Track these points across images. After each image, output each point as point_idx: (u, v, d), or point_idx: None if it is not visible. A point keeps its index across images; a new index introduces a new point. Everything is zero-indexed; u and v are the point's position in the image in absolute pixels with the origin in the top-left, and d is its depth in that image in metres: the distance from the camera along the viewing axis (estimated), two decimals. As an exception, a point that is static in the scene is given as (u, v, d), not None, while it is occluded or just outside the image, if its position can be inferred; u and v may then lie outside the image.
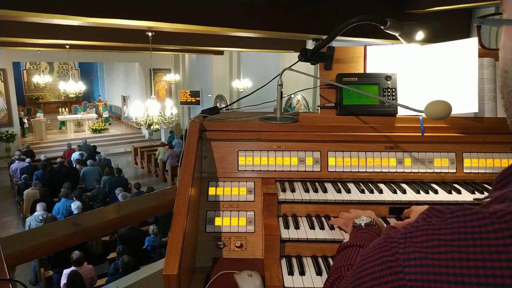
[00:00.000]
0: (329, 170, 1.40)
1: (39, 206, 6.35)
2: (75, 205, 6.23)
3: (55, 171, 9.33)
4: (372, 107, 1.38)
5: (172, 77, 14.96)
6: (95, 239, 5.21)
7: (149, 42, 5.85)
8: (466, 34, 5.15)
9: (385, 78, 1.37)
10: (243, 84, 11.18)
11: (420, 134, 1.36)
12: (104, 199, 7.76)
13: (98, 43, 6.62)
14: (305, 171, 1.40)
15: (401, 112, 1.38)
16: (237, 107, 1.82)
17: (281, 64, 10.05)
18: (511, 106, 0.55)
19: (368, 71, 1.41)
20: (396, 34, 1.33)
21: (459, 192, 1.31)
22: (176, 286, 0.92)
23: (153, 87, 7.41)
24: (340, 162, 1.40)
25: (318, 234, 1.20)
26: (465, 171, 1.40)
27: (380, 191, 1.32)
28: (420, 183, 1.39)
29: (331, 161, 1.40)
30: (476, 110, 1.31)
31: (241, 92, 11.24)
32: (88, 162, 9.60)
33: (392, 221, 1.27)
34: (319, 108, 1.41)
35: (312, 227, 1.22)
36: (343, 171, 1.40)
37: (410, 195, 1.30)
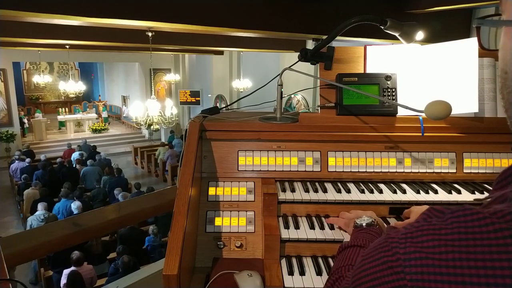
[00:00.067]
0: (329, 170, 1.40)
1: (41, 206, 6.36)
2: (75, 205, 6.23)
3: (55, 171, 9.33)
4: (372, 107, 1.38)
5: (172, 77, 14.96)
6: (95, 239, 5.21)
7: (149, 42, 5.85)
8: (466, 34, 5.15)
9: (385, 78, 1.37)
10: (243, 84, 11.18)
11: (420, 134, 1.36)
12: (104, 199, 7.76)
13: (98, 43, 6.63)
14: (305, 171, 1.40)
15: (401, 112, 1.38)
16: (237, 107, 1.82)
17: (281, 64, 10.05)
18: (511, 107, 0.55)
19: (368, 71, 1.41)
20: (396, 34, 1.33)
21: (459, 192, 1.31)
22: (176, 286, 0.92)
23: (153, 87, 7.41)
24: (340, 162, 1.40)
25: (318, 234, 1.19)
26: (465, 171, 1.40)
27: (380, 191, 1.32)
28: (420, 183, 1.39)
29: (331, 161, 1.40)
30: (476, 110, 1.31)
31: (241, 92, 11.24)
32: (88, 162, 9.61)
33: (392, 221, 1.27)
34: (319, 108, 1.41)
35: (312, 227, 1.22)
36: (343, 171, 1.40)
37: (410, 195, 1.30)
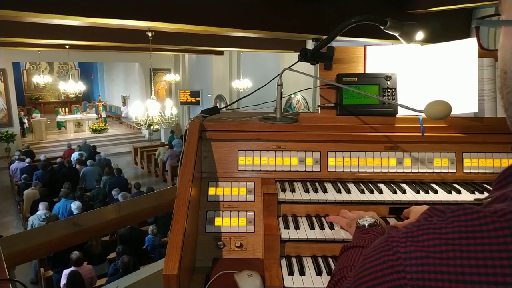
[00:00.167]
0: (329, 170, 1.40)
1: (42, 206, 6.36)
2: (75, 205, 6.24)
3: (55, 171, 9.33)
4: (372, 107, 1.38)
5: (172, 77, 14.96)
6: (95, 239, 5.21)
7: (149, 42, 5.85)
8: (466, 34, 5.15)
9: (385, 78, 1.37)
10: (243, 84, 11.18)
11: (420, 134, 1.36)
12: (104, 199, 7.77)
13: (98, 43, 6.62)
14: (305, 171, 1.40)
15: (401, 112, 1.38)
16: (237, 107, 1.82)
17: (281, 64, 10.05)
18: (511, 107, 0.55)
19: (368, 71, 1.42)
20: (396, 34, 1.33)
21: (459, 192, 1.32)
22: (176, 286, 0.92)
23: (153, 87, 7.41)
24: (340, 162, 1.40)
25: (318, 234, 1.20)
26: (465, 171, 1.40)
27: (380, 191, 1.32)
28: (420, 183, 1.39)
29: (331, 161, 1.40)
30: (476, 110, 1.31)
31: (241, 92, 11.24)
32: (88, 162, 9.61)
33: (392, 221, 1.27)
34: (319, 108, 1.41)
35: (312, 227, 1.22)
36: (343, 171, 1.40)
37: (410, 195, 1.30)
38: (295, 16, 4.33)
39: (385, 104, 1.37)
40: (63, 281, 4.47)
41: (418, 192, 1.31)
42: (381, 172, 1.40)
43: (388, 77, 1.36)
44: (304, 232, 1.20)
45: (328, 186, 1.36)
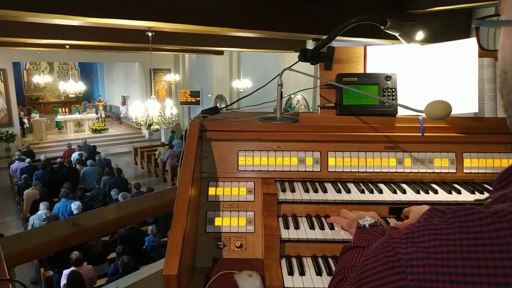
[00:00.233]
0: (329, 170, 1.40)
1: (42, 205, 6.36)
2: (75, 205, 6.24)
3: (55, 171, 9.33)
4: (372, 107, 1.38)
5: (172, 77, 14.96)
6: (95, 239, 5.21)
7: (149, 42, 5.85)
8: (466, 34, 5.15)
9: (385, 78, 1.37)
10: (243, 84, 11.18)
11: (420, 134, 1.36)
12: (104, 199, 7.77)
13: (98, 43, 6.62)
14: (305, 171, 1.40)
15: (401, 112, 1.38)
16: (237, 107, 1.82)
17: (281, 64, 10.05)
18: (511, 107, 0.55)
19: (368, 71, 1.42)
20: (396, 34, 1.33)
21: (459, 192, 1.31)
22: (176, 286, 0.92)
23: (153, 87, 7.40)
24: (340, 162, 1.40)
25: (318, 234, 1.19)
26: (465, 171, 1.40)
27: (380, 191, 1.32)
28: (420, 183, 1.39)
29: (331, 161, 1.40)
30: (476, 110, 1.31)
31: (241, 92, 11.24)
32: (88, 162, 9.60)
33: (392, 221, 1.27)
34: (319, 108, 1.41)
35: (312, 227, 1.22)
36: (343, 171, 1.40)
37: (410, 195, 1.30)
38: (295, 16, 4.34)
39: (385, 104, 1.37)
40: (63, 281, 4.47)
41: (418, 192, 1.31)
42: (381, 172, 1.40)
43: (388, 77, 1.36)
44: (304, 232, 1.20)
45: (328, 186, 1.36)
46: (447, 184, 1.39)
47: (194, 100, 14.29)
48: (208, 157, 1.39)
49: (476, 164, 1.40)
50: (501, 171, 0.55)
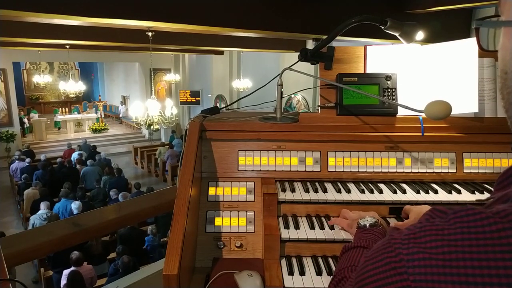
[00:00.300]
0: (329, 170, 1.40)
1: (43, 205, 6.36)
2: (75, 205, 6.23)
3: (55, 171, 9.33)
4: (372, 107, 1.38)
5: (172, 77, 14.96)
6: (95, 239, 5.21)
7: (149, 42, 5.85)
8: (466, 34, 5.15)
9: (385, 78, 1.37)
10: (243, 84, 11.18)
11: (420, 134, 1.36)
12: (104, 199, 7.77)
13: (98, 43, 6.63)
14: (305, 171, 1.40)
15: (401, 112, 1.38)
16: (237, 107, 1.82)
17: (281, 64, 10.05)
18: (511, 107, 0.55)
19: (368, 71, 1.42)
20: (396, 34, 1.33)
21: (459, 192, 1.31)
22: (176, 286, 0.92)
23: (153, 87, 7.41)
24: (340, 162, 1.40)
25: (318, 234, 1.19)
26: (465, 171, 1.40)
27: (380, 191, 1.32)
28: (420, 183, 1.39)
29: (331, 161, 1.40)
30: (476, 110, 1.31)
31: (241, 92, 11.24)
32: (88, 162, 9.60)
33: (392, 221, 1.27)
34: (319, 108, 1.41)
35: (312, 227, 1.22)
36: (343, 171, 1.40)
37: (410, 195, 1.30)
38: (295, 16, 4.34)
39: (385, 104, 1.37)
40: (63, 281, 4.47)
41: (418, 192, 1.31)
42: (381, 172, 1.40)
43: (388, 77, 1.36)
44: (304, 232, 1.20)
45: (328, 186, 1.36)
46: (447, 184, 1.39)
47: (194, 100, 14.29)
48: (208, 157, 1.39)
49: (476, 164, 1.40)
50: (501, 171, 0.55)
